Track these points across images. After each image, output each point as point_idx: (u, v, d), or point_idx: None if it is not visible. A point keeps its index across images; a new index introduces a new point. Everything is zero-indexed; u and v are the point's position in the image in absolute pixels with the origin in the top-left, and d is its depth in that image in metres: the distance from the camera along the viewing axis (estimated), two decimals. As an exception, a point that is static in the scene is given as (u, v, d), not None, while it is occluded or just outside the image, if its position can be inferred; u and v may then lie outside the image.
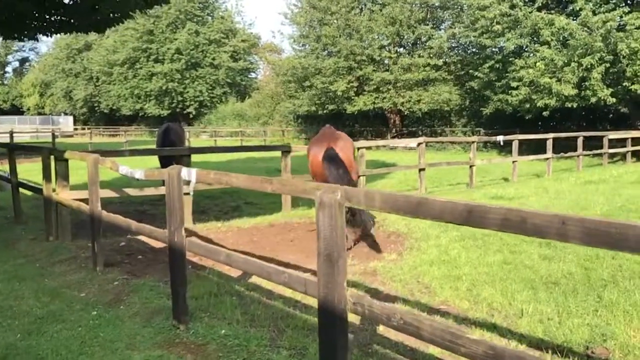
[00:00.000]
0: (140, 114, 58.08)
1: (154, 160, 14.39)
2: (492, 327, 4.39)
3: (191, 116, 54.69)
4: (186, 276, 4.58)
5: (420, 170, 13.26)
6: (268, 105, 47.66)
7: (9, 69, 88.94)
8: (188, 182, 4.37)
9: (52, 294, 5.47)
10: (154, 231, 4.95)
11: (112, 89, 57.54)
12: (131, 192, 8.14)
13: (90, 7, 7.45)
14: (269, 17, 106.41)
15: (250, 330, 4.43)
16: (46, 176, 7.52)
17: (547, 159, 17.38)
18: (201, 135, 49.41)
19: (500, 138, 16.15)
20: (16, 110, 77.19)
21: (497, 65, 26.68)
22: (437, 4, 32.89)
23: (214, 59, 53.12)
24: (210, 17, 55.46)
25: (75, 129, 59.72)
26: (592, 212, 9.10)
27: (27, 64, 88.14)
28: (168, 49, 51.75)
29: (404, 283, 5.63)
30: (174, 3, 51.79)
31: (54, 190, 7.56)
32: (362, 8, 34.48)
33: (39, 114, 74.01)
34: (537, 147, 23.16)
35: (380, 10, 32.43)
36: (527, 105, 24.89)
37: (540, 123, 28.84)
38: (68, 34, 10.05)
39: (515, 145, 16.11)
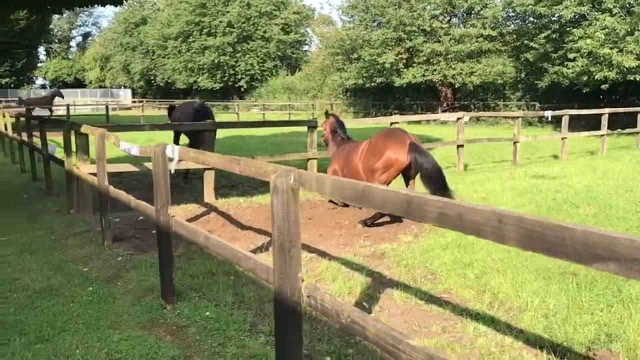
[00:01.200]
0: (194, 87, 59.04)
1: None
2: (490, 321, 4.07)
3: (242, 90, 55.05)
4: (172, 256, 4.48)
5: (459, 146, 12.73)
6: (317, 79, 47.26)
7: (73, 43, 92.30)
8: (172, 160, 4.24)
9: (57, 268, 5.53)
10: (148, 208, 4.87)
11: (166, 62, 58.59)
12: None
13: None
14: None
15: (235, 313, 4.30)
16: (67, 150, 7.62)
17: (602, 135, 16.35)
18: (252, 109, 49.70)
19: (548, 113, 15.26)
20: (79, 83, 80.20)
21: (554, 36, 25.16)
22: (492, -29, 31.31)
23: (265, 31, 53.01)
24: (262, -11, 55.21)
25: (134, 102, 61.46)
26: (638, 195, 8.43)
27: (89, 38, 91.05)
28: (220, 22, 51.98)
29: (410, 268, 5.35)
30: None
31: (74, 165, 7.66)
32: (412, -24, 33.29)
33: (100, 87, 76.68)
34: (596, 123, 21.88)
35: (432, -21, 31.23)
36: (585, 78, 23.42)
37: (601, 97, 27.20)
38: (78, 8, 10.01)
39: (565, 121, 15.18)
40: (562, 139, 15.08)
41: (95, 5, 8.72)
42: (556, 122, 24.87)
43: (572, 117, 21.48)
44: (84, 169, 7.42)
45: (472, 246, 6.00)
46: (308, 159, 10.01)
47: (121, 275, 5.29)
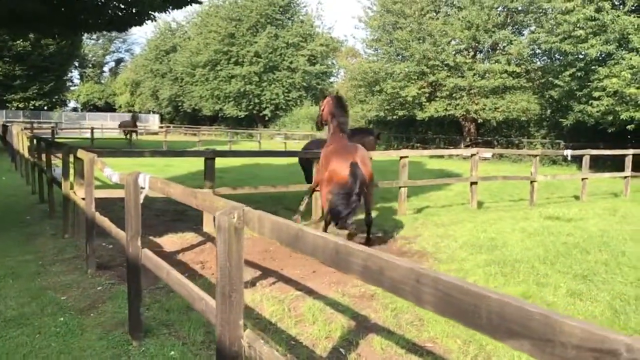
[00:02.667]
0: (220, 115, 59.84)
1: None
2: (471, 377, 3.76)
3: (267, 118, 55.51)
4: (141, 289, 4.29)
5: (472, 183, 12.39)
6: (341, 110, 47.30)
7: (106, 68, 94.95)
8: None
9: (35, 295, 5.38)
10: (124, 239, 4.70)
11: (194, 89, 59.58)
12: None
13: (93, 7, 7.48)
14: (349, 21, 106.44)
15: (202, 353, 4.07)
16: (65, 174, 7.58)
17: (626, 177, 15.83)
18: (275, 137, 49.99)
19: (568, 152, 14.87)
20: (109, 107, 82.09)
21: (579, 74, 24.73)
22: (518, 8, 31.10)
23: (291, 62, 53.61)
24: (290, 21, 56.05)
25: (161, 127, 62.46)
26: (655, 241, 7.98)
27: (121, 64, 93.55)
28: (247, 51, 52.81)
29: (398, 312, 5.06)
30: (255, 7, 52.95)
31: (72, 189, 7.60)
32: (437, 11, 33.34)
33: (129, 111, 78.28)
34: (622, 164, 21.26)
35: (457, 14, 31.15)
36: (610, 118, 22.87)
37: (629, 137, 26.48)
38: (92, 32, 10.16)
39: (585, 161, 14.76)
40: (583, 179, 14.62)
41: (107, 32, 8.82)
42: (579, 161, 24.31)
43: (597, 157, 20.94)
44: (80, 193, 7.34)
45: (468, 290, 5.68)
46: (313, 190, 9.82)
47: (96, 306, 5.11)
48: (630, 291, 5.46)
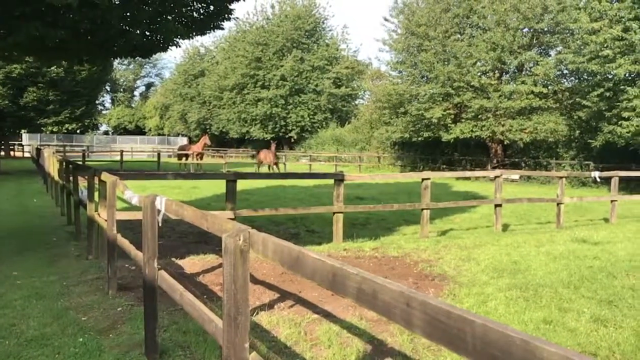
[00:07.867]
0: (246, 137, 60.64)
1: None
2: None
3: (292, 140, 56.00)
4: (156, 311, 4.34)
5: (497, 206, 12.23)
6: (366, 131, 47.52)
7: (137, 93, 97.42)
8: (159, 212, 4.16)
9: (56, 316, 5.49)
10: (141, 260, 4.78)
11: (221, 112, 60.61)
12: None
13: (118, 34, 7.76)
14: (374, 44, 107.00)
15: (215, 376, 4.08)
16: (90, 196, 7.76)
17: (658, 198, 15.43)
18: (301, 159, 50.36)
19: (595, 174, 14.58)
20: (139, 130, 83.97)
21: (608, 94, 24.37)
22: (544, 28, 30.91)
23: (317, 85, 54.18)
24: (316, 45, 56.73)
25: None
26: (685, 266, 7.72)
27: (152, 88, 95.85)
28: (274, 75, 53.62)
29: (415, 336, 4.98)
30: (281, 32, 53.85)
31: (96, 211, 7.77)
32: (461, 33, 33.36)
33: (159, 134, 79.98)
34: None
35: (481, 36, 31.11)
36: (640, 138, 22.45)
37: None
38: (118, 58, 10.50)
39: (614, 183, 14.44)
40: (612, 201, 14.30)
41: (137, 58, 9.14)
42: (609, 183, 23.76)
43: (629, 179, 20.45)
44: (103, 215, 7.49)
45: (486, 315, 5.58)
46: (334, 213, 9.82)
47: (115, 327, 5.18)
48: (658, 317, 5.29)
